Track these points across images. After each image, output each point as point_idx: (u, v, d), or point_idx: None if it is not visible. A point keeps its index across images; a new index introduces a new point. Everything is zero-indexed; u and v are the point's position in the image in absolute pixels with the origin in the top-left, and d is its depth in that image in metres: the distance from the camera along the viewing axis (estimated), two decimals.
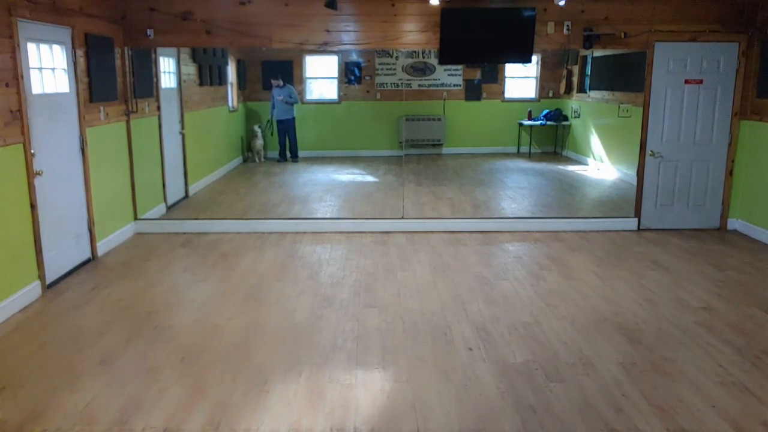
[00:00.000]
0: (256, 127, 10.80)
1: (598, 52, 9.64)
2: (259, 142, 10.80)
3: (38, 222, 4.58)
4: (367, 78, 11.07)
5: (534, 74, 11.70)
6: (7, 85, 4.21)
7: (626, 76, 8.54)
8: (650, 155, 6.40)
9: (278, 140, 10.64)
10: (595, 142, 10.03)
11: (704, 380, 3.35)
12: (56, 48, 4.96)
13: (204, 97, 8.69)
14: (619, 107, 8.91)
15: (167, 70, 7.19)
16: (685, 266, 5.32)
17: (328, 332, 3.96)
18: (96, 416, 3.00)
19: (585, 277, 5.05)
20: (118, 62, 5.92)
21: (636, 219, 6.53)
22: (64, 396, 3.18)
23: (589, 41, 6.14)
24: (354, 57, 10.99)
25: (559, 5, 6.00)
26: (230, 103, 10.21)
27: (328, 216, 7.03)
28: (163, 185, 7.01)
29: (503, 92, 11.68)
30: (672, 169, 6.44)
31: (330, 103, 11.41)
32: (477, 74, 11.43)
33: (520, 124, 11.48)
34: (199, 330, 4.01)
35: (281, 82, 10.63)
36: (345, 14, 6.12)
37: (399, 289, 4.74)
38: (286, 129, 10.56)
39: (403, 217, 6.60)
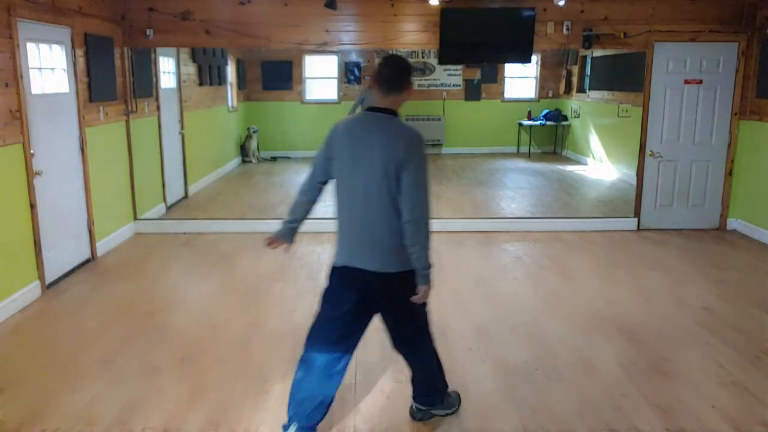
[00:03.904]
0: (251, 129, 10.80)
1: (597, 52, 9.65)
2: (253, 143, 10.80)
3: (38, 222, 4.57)
4: (367, 78, 11.07)
5: (534, 74, 11.70)
6: (6, 85, 4.21)
7: (626, 76, 8.55)
8: (650, 155, 6.40)
9: None
10: (595, 142, 10.03)
11: (704, 380, 3.35)
12: (56, 48, 4.95)
13: (203, 97, 8.70)
14: (618, 107, 8.92)
15: (167, 70, 7.19)
16: (684, 266, 5.32)
17: None
18: (96, 416, 2.99)
19: (585, 277, 5.05)
20: (117, 62, 5.91)
21: (636, 219, 6.53)
22: (64, 396, 3.18)
23: (589, 41, 6.14)
24: (354, 57, 10.99)
25: (558, 5, 6.00)
26: (230, 103, 10.21)
27: (327, 216, 7.01)
28: (163, 185, 7.01)
29: (503, 92, 11.69)
30: (671, 169, 6.44)
31: (330, 103, 11.42)
32: (476, 74, 11.44)
33: (520, 124, 11.48)
34: (199, 330, 4.01)
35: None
36: (344, 14, 6.12)
37: None
38: None
39: None
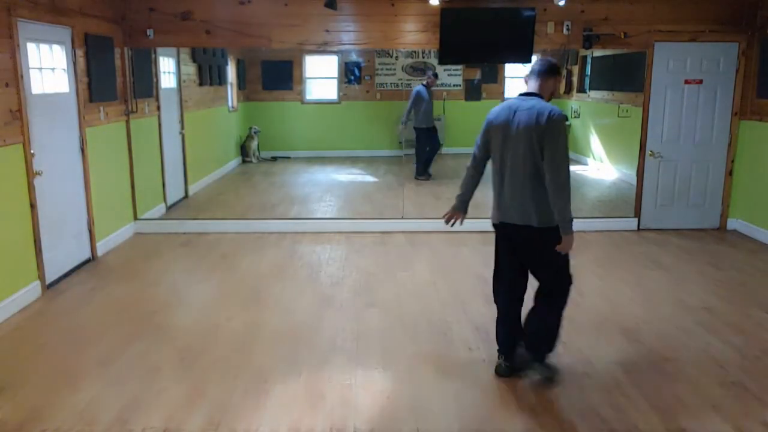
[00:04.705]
0: (253, 129, 10.80)
1: (598, 52, 9.63)
2: (254, 143, 10.79)
3: (38, 222, 4.57)
4: (367, 78, 11.06)
5: None
6: (7, 85, 4.21)
7: (626, 76, 8.53)
8: (650, 155, 6.39)
9: (417, 151, 8.92)
10: (595, 142, 10.02)
11: (704, 380, 3.35)
12: (56, 48, 4.96)
13: (204, 97, 8.69)
14: (618, 107, 8.91)
15: (167, 70, 7.19)
16: (685, 266, 5.32)
17: (328, 332, 3.96)
18: (96, 416, 2.99)
19: (585, 277, 5.04)
20: (118, 62, 5.92)
21: (636, 219, 6.53)
22: (64, 396, 3.18)
23: (589, 41, 6.14)
24: (354, 57, 10.98)
25: (559, 5, 6.00)
26: (230, 103, 10.21)
27: (327, 216, 7.03)
28: (163, 185, 7.00)
29: (503, 92, 11.66)
30: (672, 169, 6.43)
31: (330, 103, 11.42)
32: (477, 74, 11.42)
33: None
34: (199, 330, 4.01)
35: (435, 80, 8.90)
36: (345, 14, 6.12)
37: (399, 289, 4.74)
38: (430, 139, 8.89)
39: (402, 217, 6.60)
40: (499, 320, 3.40)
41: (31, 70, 4.55)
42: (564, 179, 2.99)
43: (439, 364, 3.53)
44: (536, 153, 3.01)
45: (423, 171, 8.98)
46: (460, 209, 3.47)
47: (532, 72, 3.20)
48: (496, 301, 3.41)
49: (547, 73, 3.18)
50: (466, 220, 6.39)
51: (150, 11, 6.00)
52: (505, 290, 3.35)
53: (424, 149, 8.95)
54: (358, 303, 4.47)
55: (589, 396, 3.19)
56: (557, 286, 3.24)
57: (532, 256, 3.23)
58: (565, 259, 3.20)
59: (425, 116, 8.79)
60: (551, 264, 3.18)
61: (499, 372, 3.38)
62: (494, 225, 3.32)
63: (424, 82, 8.95)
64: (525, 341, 3.36)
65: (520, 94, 3.18)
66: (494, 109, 3.23)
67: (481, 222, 6.61)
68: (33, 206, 4.52)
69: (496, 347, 3.43)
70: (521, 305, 3.36)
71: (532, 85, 3.18)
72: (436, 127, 8.99)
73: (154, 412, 3.03)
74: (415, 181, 8.79)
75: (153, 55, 6.63)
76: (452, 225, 3.50)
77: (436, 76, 9.14)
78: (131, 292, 4.70)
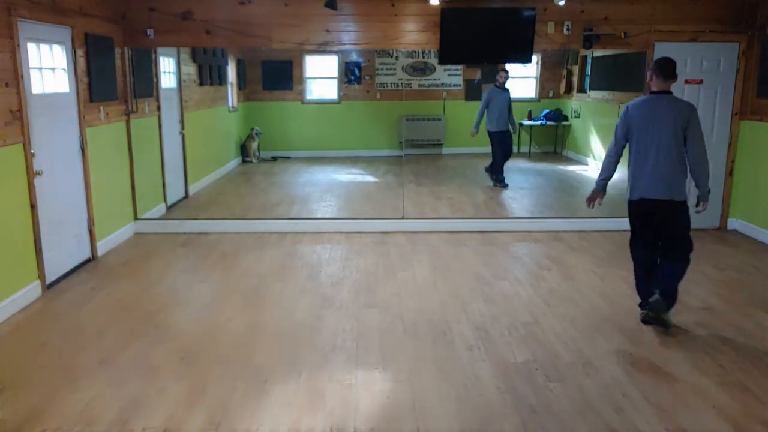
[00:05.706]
0: (254, 130, 10.81)
1: (598, 52, 9.63)
2: (254, 143, 10.80)
3: (38, 222, 4.58)
4: (367, 78, 11.07)
5: (534, 74, 11.69)
6: (7, 85, 4.21)
7: (626, 76, 8.53)
8: None
9: (493, 156, 8.66)
10: (595, 142, 10.02)
11: (704, 380, 3.35)
12: (56, 48, 4.96)
13: (204, 97, 8.69)
14: (619, 107, 8.88)
15: (167, 70, 7.19)
16: None
17: (328, 332, 3.96)
18: (96, 416, 3.00)
19: (585, 277, 5.05)
20: (118, 62, 5.92)
21: None
22: (64, 396, 3.18)
23: (589, 41, 6.14)
24: (354, 57, 10.99)
25: (559, 5, 6.00)
26: (230, 103, 10.21)
27: (328, 216, 7.03)
28: (163, 185, 7.01)
29: None
30: None
31: (330, 103, 11.42)
32: (477, 74, 11.42)
33: (520, 124, 11.46)
34: (199, 330, 4.01)
35: (506, 77, 8.48)
36: (345, 14, 6.12)
37: (399, 289, 4.74)
38: (503, 143, 8.56)
39: (403, 217, 6.60)
40: (639, 277, 4.10)
41: (31, 70, 4.55)
42: (705, 160, 3.79)
43: (439, 364, 3.53)
44: (679, 139, 3.74)
45: (497, 178, 8.61)
46: (602, 191, 4.13)
47: (659, 74, 3.81)
48: (634, 262, 4.12)
49: (673, 75, 3.82)
50: (465, 221, 6.62)
51: (150, 11, 6.00)
52: (641, 253, 4.05)
53: (498, 154, 8.59)
54: (358, 303, 4.47)
55: (589, 396, 3.19)
56: (682, 250, 3.89)
57: (666, 224, 3.88)
58: (689, 227, 3.89)
59: (496, 119, 8.48)
60: (682, 231, 3.87)
61: (646, 320, 4.02)
62: (633, 201, 3.95)
63: (497, 82, 8.61)
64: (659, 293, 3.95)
65: (653, 92, 3.86)
66: (633, 105, 3.94)
67: (480, 222, 6.65)
68: (33, 206, 4.52)
69: (639, 301, 4.14)
70: (654, 265, 4.01)
71: (661, 85, 3.83)
72: (510, 131, 8.63)
73: (154, 411, 3.04)
74: (415, 181, 8.79)
75: (153, 55, 6.63)
76: (593, 207, 4.16)
77: (507, 72, 8.61)
78: (131, 292, 4.70)
